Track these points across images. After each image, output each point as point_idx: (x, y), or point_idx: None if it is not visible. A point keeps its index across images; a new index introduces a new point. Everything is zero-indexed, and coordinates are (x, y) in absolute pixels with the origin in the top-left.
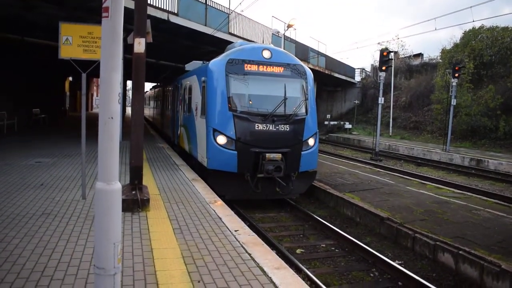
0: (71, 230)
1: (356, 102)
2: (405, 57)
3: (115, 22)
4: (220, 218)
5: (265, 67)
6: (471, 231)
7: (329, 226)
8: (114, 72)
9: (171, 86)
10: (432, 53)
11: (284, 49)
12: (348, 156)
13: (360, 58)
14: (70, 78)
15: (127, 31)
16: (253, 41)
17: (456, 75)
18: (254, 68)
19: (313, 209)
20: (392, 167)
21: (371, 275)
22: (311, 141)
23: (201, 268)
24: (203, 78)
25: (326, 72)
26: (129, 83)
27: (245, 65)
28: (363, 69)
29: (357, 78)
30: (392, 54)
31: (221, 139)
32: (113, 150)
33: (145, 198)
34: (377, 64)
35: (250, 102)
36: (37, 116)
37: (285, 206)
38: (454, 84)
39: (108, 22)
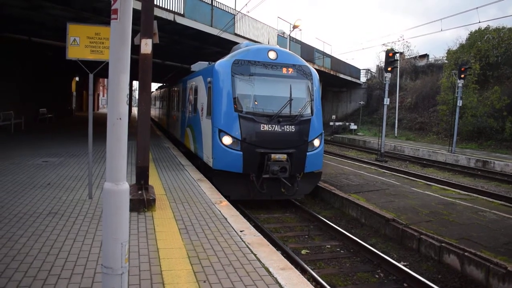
0: (78, 229)
1: (362, 103)
2: (411, 58)
3: (123, 24)
4: (226, 219)
5: (270, 68)
6: (477, 233)
7: (334, 227)
8: (122, 74)
9: (177, 86)
10: (437, 53)
11: (289, 50)
12: (353, 157)
13: (366, 59)
14: (77, 78)
15: (134, 32)
16: (259, 42)
17: (462, 76)
18: (260, 69)
19: (318, 210)
20: (397, 168)
21: (376, 276)
22: (316, 142)
23: (206, 268)
24: (209, 79)
25: (332, 72)
26: (135, 83)
27: (251, 66)
28: (369, 70)
29: (363, 79)
30: (397, 55)
31: (227, 140)
32: (121, 151)
33: (151, 198)
34: (382, 65)
35: (256, 103)
36: (44, 116)
37: (290, 207)
38: (460, 85)
39: (117, 24)
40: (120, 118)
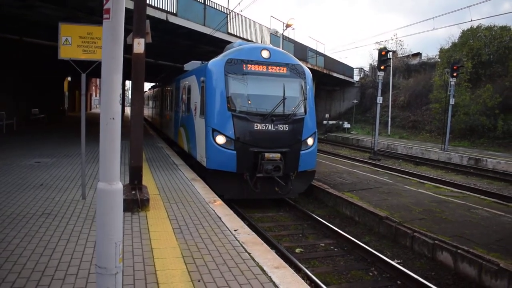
0: (71, 230)
1: (355, 101)
2: (404, 56)
3: (116, 23)
4: (220, 218)
5: (264, 67)
6: (470, 230)
7: (328, 226)
8: (115, 73)
9: (170, 86)
10: (430, 52)
11: (283, 49)
12: (347, 156)
13: (359, 58)
14: (69, 78)
15: (126, 32)
16: (252, 41)
17: (455, 74)
18: (253, 68)
19: (312, 209)
20: (390, 166)
21: (370, 274)
22: (310, 141)
23: (201, 267)
24: (202, 78)
25: (325, 71)
26: (128, 83)
27: (244, 65)
28: (362, 68)
29: (356, 77)
30: (390, 53)
31: (220, 139)
32: (114, 150)
33: (144, 198)
34: (375, 63)
35: (249, 102)
36: (36, 116)
37: (284, 206)
38: (452, 83)
39: (109, 24)
40: (113, 118)
